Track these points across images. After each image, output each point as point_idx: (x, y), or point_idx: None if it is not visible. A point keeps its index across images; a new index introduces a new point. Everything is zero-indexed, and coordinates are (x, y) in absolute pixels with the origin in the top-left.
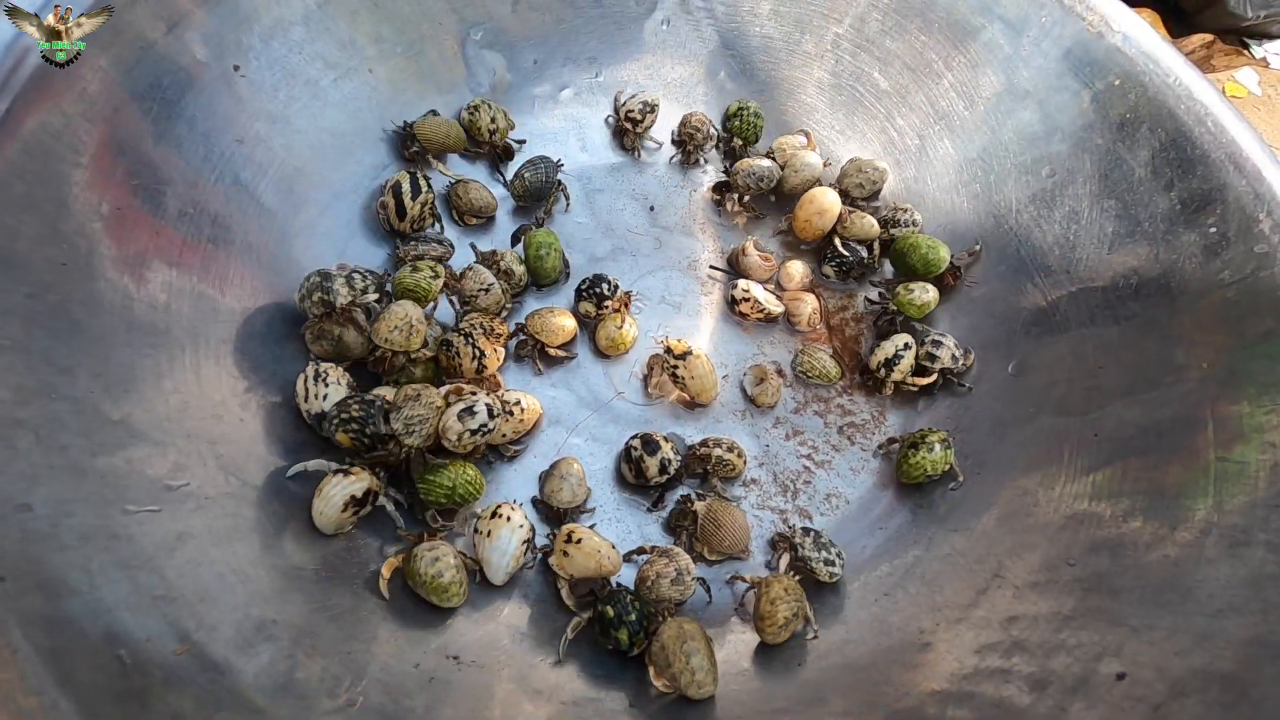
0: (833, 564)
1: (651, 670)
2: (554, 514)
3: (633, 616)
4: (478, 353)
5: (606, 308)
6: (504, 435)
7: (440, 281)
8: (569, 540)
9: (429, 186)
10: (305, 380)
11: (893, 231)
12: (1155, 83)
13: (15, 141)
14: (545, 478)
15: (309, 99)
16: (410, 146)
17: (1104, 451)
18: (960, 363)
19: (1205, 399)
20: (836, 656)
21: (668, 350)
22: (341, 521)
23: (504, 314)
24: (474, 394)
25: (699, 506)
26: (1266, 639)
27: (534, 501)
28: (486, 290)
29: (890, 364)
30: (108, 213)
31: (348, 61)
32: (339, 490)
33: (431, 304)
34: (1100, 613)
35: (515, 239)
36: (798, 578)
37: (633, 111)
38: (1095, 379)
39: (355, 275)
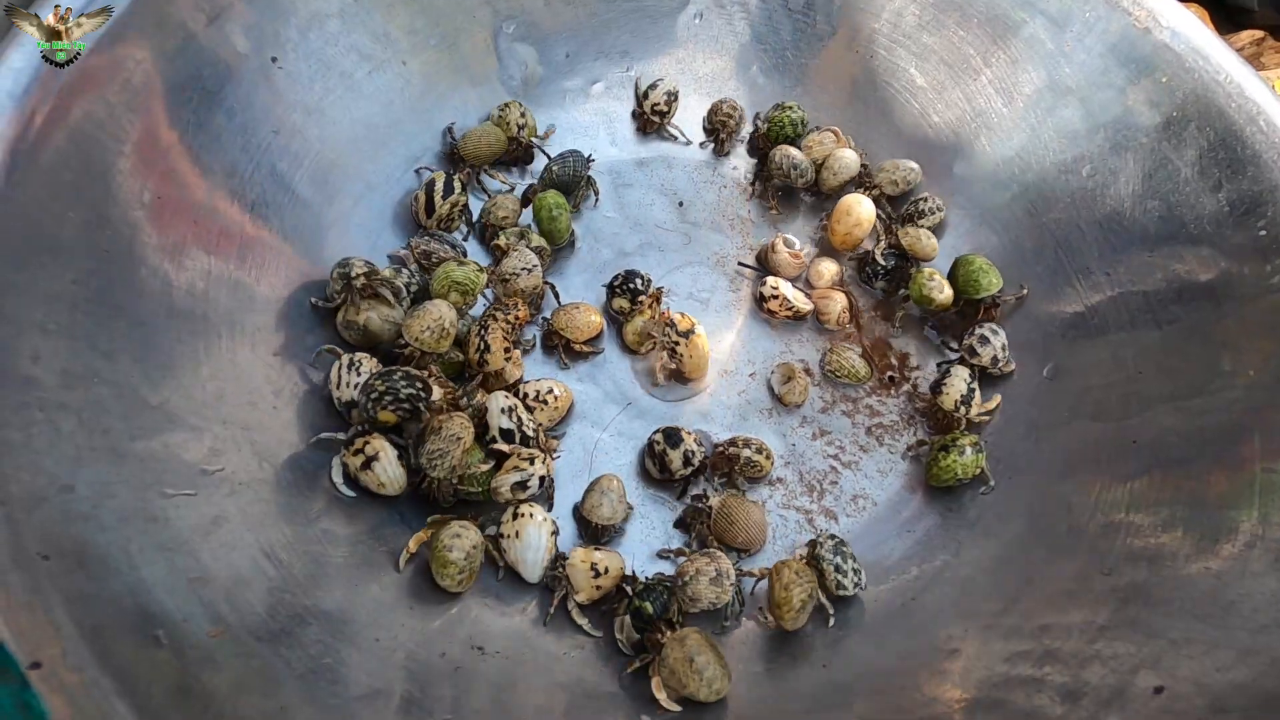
0: (843, 574)
1: (660, 687)
2: (591, 529)
3: (671, 618)
4: (482, 345)
5: (640, 303)
6: (539, 424)
7: (484, 277)
8: (596, 574)
9: (463, 189)
10: (339, 369)
11: (918, 222)
12: (1205, 80)
13: (62, 130)
14: (585, 494)
15: (344, 91)
16: (462, 168)
17: (1143, 459)
18: (999, 366)
19: (1251, 407)
20: (862, 660)
21: (671, 324)
22: (406, 475)
23: (539, 300)
24: (531, 462)
25: (713, 501)
26: None
27: (575, 513)
28: (530, 270)
29: (966, 401)
30: (149, 201)
31: (382, 54)
32: (388, 461)
33: (473, 301)
34: (1137, 624)
35: (525, 201)
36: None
37: (659, 104)
38: (1134, 384)
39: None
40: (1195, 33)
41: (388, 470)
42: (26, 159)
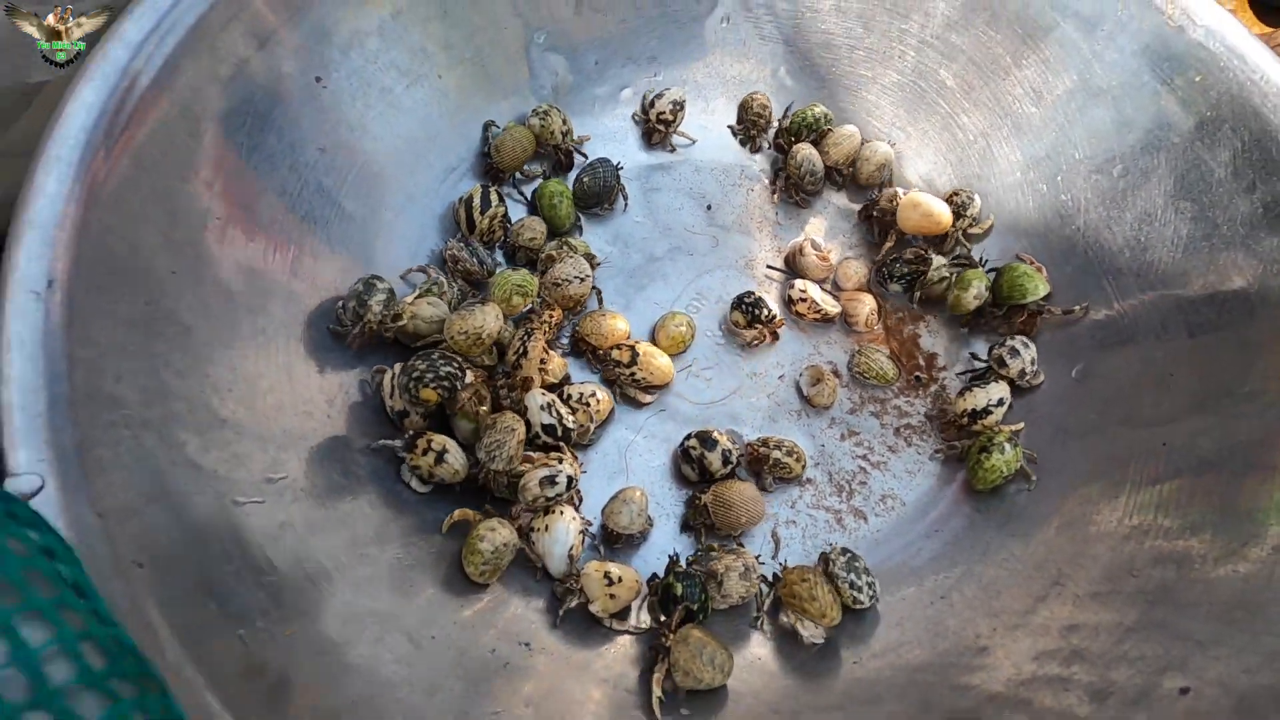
0: (858, 589)
1: (658, 683)
2: (608, 535)
3: (695, 606)
4: (522, 349)
5: (756, 329)
6: (580, 425)
7: (537, 281)
8: (610, 583)
9: (500, 200)
10: (392, 378)
11: (965, 213)
12: (1240, 80)
13: (129, 158)
14: (610, 500)
15: (384, 106)
16: (504, 177)
17: (1173, 463)
18: (1027, 379)
19: None
20: (891, 656)
21: (617, 364)
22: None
23: (582, 305)
24: (560, 463)
25: (705, 498)
26: None
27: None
28: (582, 279)
29: (977, 415)
30: (210, 222)
31: (419, 69)
32: (455, 450)
33: (529, 305)
34: (1164, 626)
35: (532, 207)
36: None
37: (664, 113)
38: (1165, 389)
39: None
40: (1230, 31)
41: (457, 457)
42: (99, 188)
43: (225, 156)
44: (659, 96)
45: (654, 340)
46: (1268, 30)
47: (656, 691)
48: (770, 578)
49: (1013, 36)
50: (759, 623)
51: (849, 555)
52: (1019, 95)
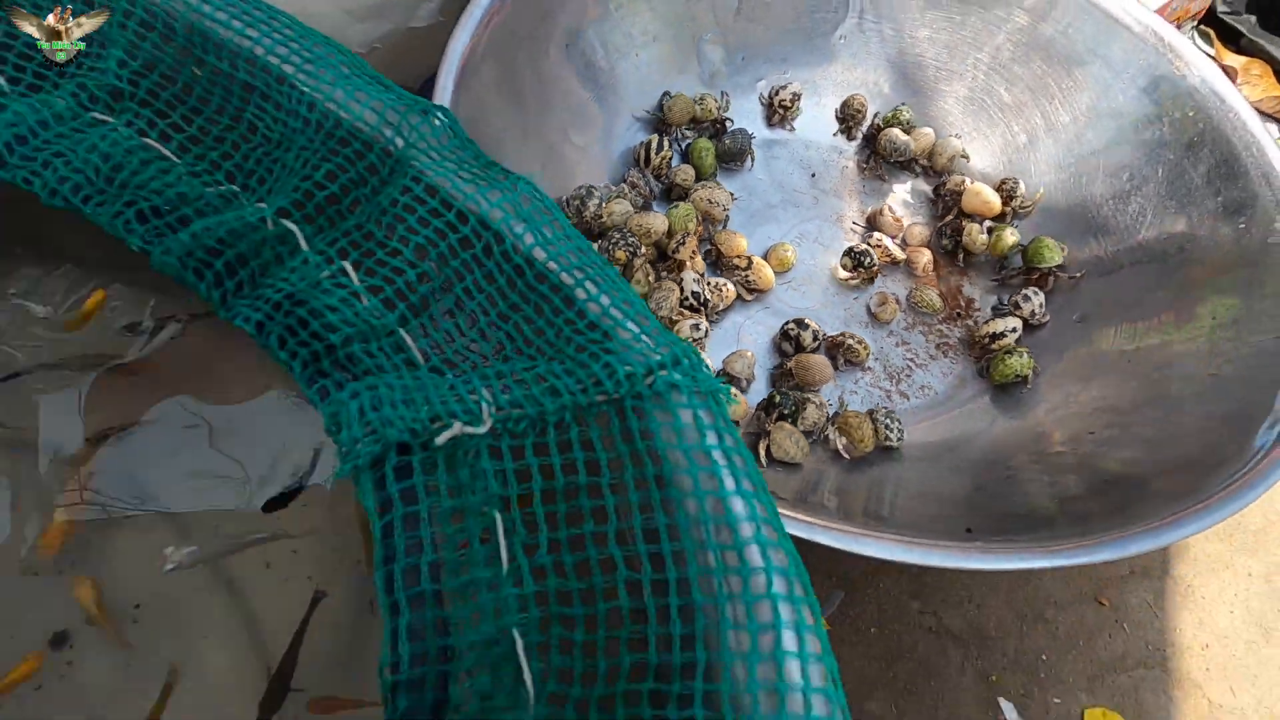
0: (890, 428)
1: (763, 449)
2: (726, 377)
3: (787, 411)
4: (681, 239)
5: (859, 274)
6: (713, 303)
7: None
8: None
9: (669, 146)
10: (596, 249)
11: (1015, 194)
12: (1218, 115)
13: (476, 80)
14: (727, 356)
15: (599, 72)
16: (668, 130)
17: (1133, 370)
18: (1037, 318)
19: (1215, 335)
20: (920, 469)
21: (735, 268)
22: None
23: (715, 224)
24: (699, 319)
25: (790, 364)
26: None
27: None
28: (724, 206)
29: (996, 337)
30: (507, 124)
31: (626, 47)
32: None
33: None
34: (1104, 455)
35: (684, 157)
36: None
37: (784, 100)
38: (1136, 323)
39: (609, 194)
40: (1217, 80)
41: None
42: (465, 85)
43: (518, 89)
44: (783, 88)
45: (765, 259)
46: None
47: (761, 455)
48: (832, 415)
49: (1059, 70)
50: (822, 435)
51: (888, 411)
52: (1059, 113)
